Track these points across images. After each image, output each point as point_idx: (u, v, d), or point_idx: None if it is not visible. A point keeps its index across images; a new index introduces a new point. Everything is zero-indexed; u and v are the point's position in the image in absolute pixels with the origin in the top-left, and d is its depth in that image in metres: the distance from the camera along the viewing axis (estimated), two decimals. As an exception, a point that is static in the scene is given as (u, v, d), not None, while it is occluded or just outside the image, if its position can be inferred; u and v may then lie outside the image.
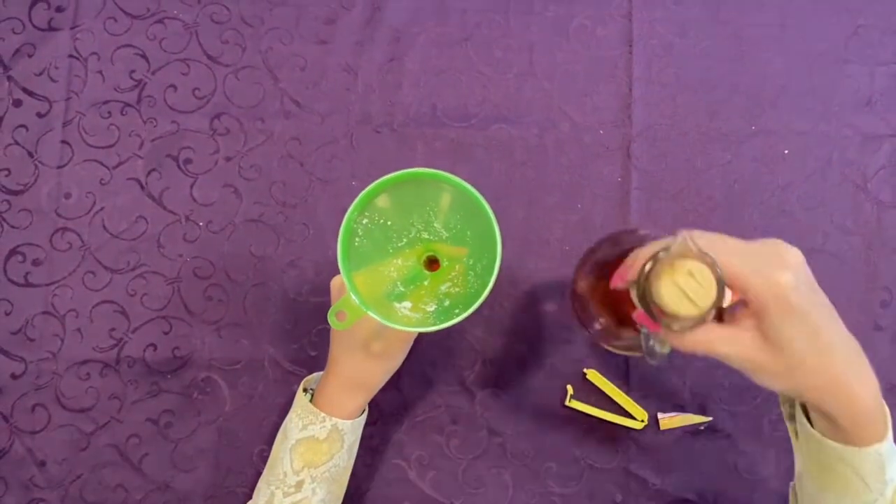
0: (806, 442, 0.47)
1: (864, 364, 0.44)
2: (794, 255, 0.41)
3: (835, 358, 0.42)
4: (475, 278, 0.51)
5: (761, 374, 0.43)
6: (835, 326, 0.43)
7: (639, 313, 0.41)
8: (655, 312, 0.39)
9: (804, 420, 0.47)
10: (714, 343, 0.42)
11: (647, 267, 0.39)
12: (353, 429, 0.58)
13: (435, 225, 0.52)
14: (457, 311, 0.50)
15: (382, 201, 0.51)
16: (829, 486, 0.46)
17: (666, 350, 0.45)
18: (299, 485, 0.55)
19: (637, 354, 0.50)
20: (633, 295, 0.42)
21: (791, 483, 0.54)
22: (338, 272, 0.70)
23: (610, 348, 0.53)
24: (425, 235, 0.52)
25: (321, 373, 0.61)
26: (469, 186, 0.49)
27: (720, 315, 0.43)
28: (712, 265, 0.37)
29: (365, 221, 0.51)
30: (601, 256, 0.52)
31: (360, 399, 0.59)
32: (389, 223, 0.52)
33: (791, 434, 0.50)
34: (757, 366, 0.42)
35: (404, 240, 0.52)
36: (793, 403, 0.49)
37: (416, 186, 0.51)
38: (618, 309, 0.48)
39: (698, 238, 0.40)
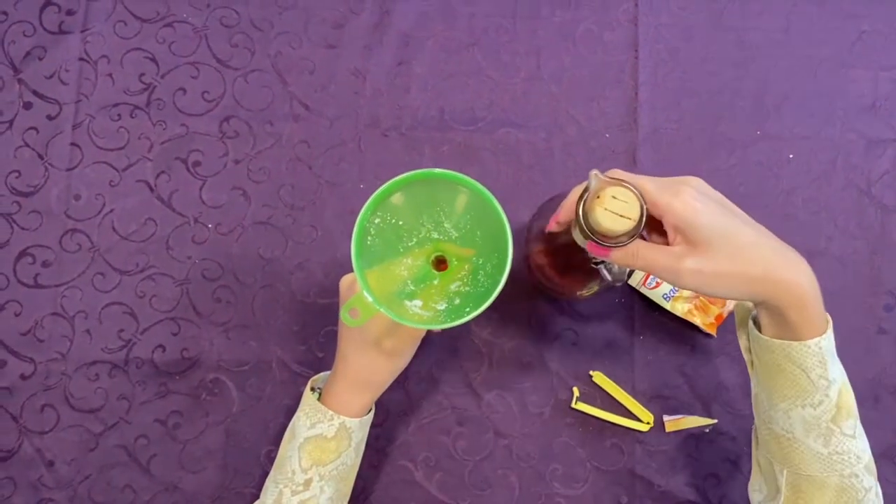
0: (758, 354, 0.52)
1: (795, 254, 0.48)
2: (694, 178, 0.48)
3: (762, 249, 0.47)
4: (485, 277, 0.52)
5: (707, 280, 0.47)
6: (751, 224, 0.48)
7: (589, 245, 0.48)
8: (601, 239, 0.46)
9: (755, 330, 0.51)
10: (654, 257, 0.47)
11: (581, 207, 0.47)
12: (360, 427, 0.59)
13: (445, 225, 0.53)
14: (467, 309, 0.50)
15: (395, 201, 0.52)
16: (780, 391, 0.50)
17: (624, 269, 0.55)
18: (307, 483, 0.56)
19: (597, 289, 0.59)
20: (577, 236, 0.50)
21: (752, 426, 0.57)
22: (345, 273, 0.70)
23: (583, 293, 0.61)
24: (435, 235, 0.53)
25: (328, 372, 0.61)
26: (481, 186, 0.50)
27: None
28: (627, 184, 0.45)
29: (377, 221, 0.52)
30: (539, 227, 0.60)
31: (368, 397, 0.59)
32: (401, 223, 0.52)
33: (749, 368, 0.54)
34: (697, 271, 0.46)
35: (414, 239, 0.53)
36: (748, 334, 0.53)
37: (428, 186, 0.52)
38: (570, 260, 0.57)
39: (615, 173, 0.48)
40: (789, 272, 0.47)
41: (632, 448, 0.68)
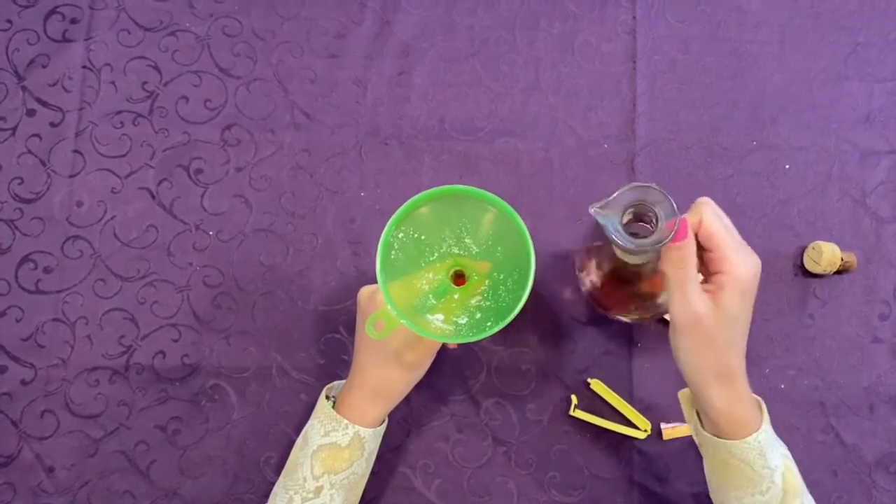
0: (703, 447, 0.55)
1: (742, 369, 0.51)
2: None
3: (737, 346, 0.50)
4: (506, 293, 0.53)
5: (693, 333, 0.49)
6: (747, 322, 0.50)
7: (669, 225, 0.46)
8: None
9: (699, 425, 0.55)
10: (692, 289, 0.48)
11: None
12: (373, 437, 0.59)
13: (466, 240, 0.54)
14: (489, 323, 0.52)
15: (420, 215, 0.53)
16: (729, 481, 0.53)
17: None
18: (318, 490, 0.56)
19: (648, 316, 0.61)
20: (620, 253, 0.51)
21: None
22: (345, 281, 0.71)
23: (635, 317, 0.63)
24: (455, 250, 0.54)
25: (342, 381, 0.62)
26: (505, 203, 0.51)
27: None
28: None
29: (401, 235, 0.53)
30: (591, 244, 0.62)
31: (383, 408, 0.60)
32: (423, 237, 0.53)
33: (699, 447, 0.57)
34: (702, 322, 0.48)
35: (436, 254, 0.54)
36: (694, 424, 0.56)
37: (452, 202, 0.53)
38: (626, 283, 0.59)
39: (705, 207, 0.49)
40: (708, 390, 0.50)
41: (630, 455, 0.69)
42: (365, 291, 0.59)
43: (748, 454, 0.51)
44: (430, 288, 0.53)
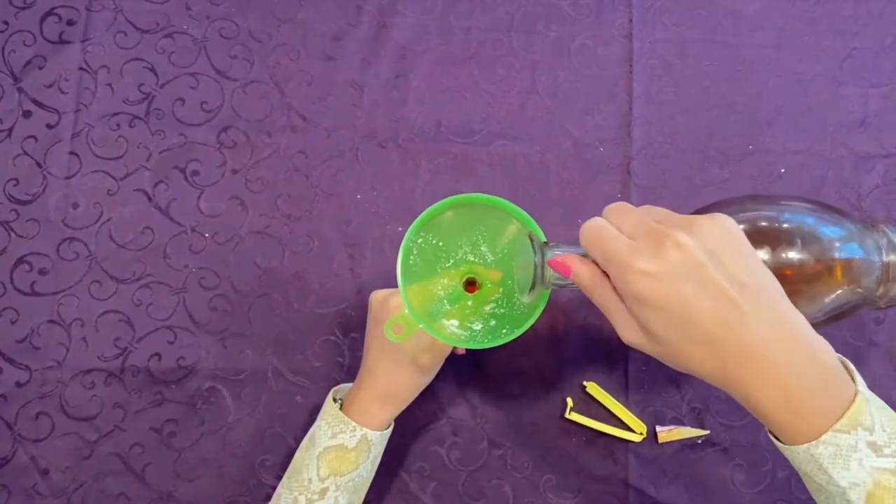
0: None
1: (774, 356, 0.38)
2: (687, 236, 0.38)
3: (717, 347, 0.39)
4: (521, 301, 0.53)
5: (657, 356, 0.42)
6: (718, 314, 0.38)
7: (553, 262, 0.45)
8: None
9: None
10: (607, 306, 0.42)
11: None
12: (380, 440, 0.59)
13: (482, 248, 0.54)
14: (504, 331, 0.52)
15: (440, 221, 0.53)
16: (806, 483, 0.43)
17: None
18: (323, 492, 0.56)
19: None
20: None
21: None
22: (342, 283, 0.71)
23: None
24: (470, 258, 0.54)
25: (349, 384, 0.62)
26: (526, 215, 0.52)
27: None
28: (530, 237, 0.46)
29: (420, 241, 0.53)
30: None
31: (391, 411, 0.60)
32: (441, 244, 0.54)
33: None
34: (645, 348, 0.41)
35: (451, 260, 0.54)
36: None
37: (470, 210, 0.54)
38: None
39: (615, 210, 0.42)
40: (746, 379, 0.39)
41: (625, 458, 0.69)
42: (377, 295, 0.59)
43: (802, 464, 0.40)
44: (444, 293, 0.54)
